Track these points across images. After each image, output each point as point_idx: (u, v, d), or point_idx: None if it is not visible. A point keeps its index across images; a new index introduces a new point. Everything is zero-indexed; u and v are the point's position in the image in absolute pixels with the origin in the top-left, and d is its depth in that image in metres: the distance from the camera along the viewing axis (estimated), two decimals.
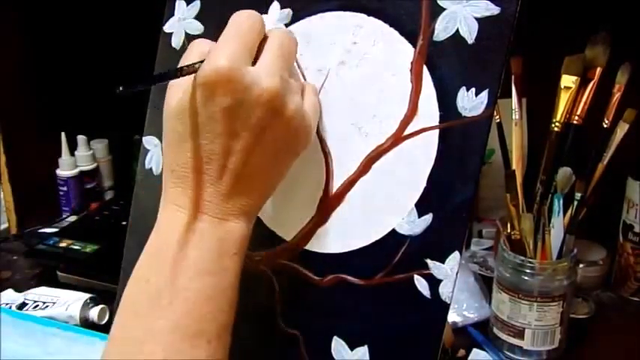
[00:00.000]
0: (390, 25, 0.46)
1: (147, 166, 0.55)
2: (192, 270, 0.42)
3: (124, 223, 0.57)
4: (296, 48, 0.46)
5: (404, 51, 0.46)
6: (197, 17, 0.54)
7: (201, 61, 0.41)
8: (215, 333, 0.42)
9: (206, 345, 0.41)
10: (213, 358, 0.41)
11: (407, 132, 0.46)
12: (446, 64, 0.45)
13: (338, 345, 0.48)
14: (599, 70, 0.67)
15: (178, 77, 0.42)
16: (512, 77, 0.68)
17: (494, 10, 0.43)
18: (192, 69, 0.42)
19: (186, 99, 0.41)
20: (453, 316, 0.75)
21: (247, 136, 0.41)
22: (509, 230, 0.69)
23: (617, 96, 0.68)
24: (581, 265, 0.80)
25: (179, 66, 0.43)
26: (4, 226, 1.02)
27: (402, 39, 0.46)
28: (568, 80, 0.67)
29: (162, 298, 0.41)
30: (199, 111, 0.41)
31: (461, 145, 0.44)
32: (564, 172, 0.66)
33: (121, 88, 0.39)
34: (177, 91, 0.42)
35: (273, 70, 0.42)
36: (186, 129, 0.42)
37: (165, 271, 0.42)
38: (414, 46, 0.45)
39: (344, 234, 0.48)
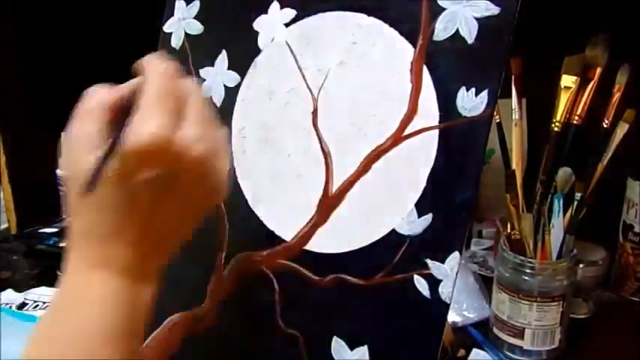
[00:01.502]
0: (390, 25, 0.46)
1: None
2: (104, 336, 0.39)
3: None
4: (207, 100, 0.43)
5: (404, 51, 0.46)
6: (197, 17, 0.54)
7: (115, 144, 0.38)
8: None
9: None
10: None
11: (407, 132, 0.46)
12: (446, 64, 0.45)
13: (338, 345, 0.48)
14: (599, 70, 0.67)
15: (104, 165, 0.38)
16: (512, 77, 0.68)
17: (494, 10, 0.43)
18: (113, 153, 0.38)
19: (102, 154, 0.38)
20: (453, 316, 0.75)
21: (172, 201, 0.40)
22: (509, 230, 0.69)
23: (617, 96, 0.68)
24: (581, 265, 0.80)
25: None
26: (4, 226, 1.02)
27: (402, 39, 0.46)
28: (568, 80, 0.67)
29: None
30: (122, 182, 0.38)
31: (461, 145, 0.44)
32: (564, 172, 0.66)
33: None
34: (82, 157, 0.39)
35: (200, 134, 0.39)
36: (105, 198, 0.39)
37: (73, 336, 0.39)
38: (414, 46, 0.45)
39: (344, 234, 0.48)
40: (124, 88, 0.41)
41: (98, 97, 0.41)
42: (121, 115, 0.39)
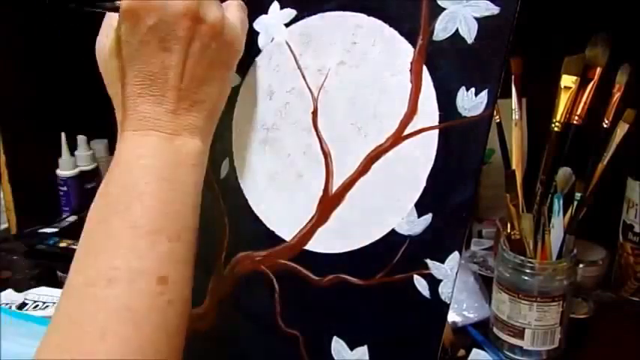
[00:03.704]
0: (390, 25, 0.46)
1: None
2: (148, 176, 0.44)
3: None
4: None
5: (404, 51, 0.46)
6: None
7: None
8: (175, 233, 0.43)
9: (166, 241, 0.42)
10: (176, 255, 0.43)
11: (407, 132, 0.46)
12: (446, 64, 0.44)
13: (338, 345, 0.48)
14: (599, 70, 0.67)
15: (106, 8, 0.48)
16: (513, 77, 0.68)
17: (494, 9, 0.43)
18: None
19: (115, 35, 0.46)
20: (453, 316, 0.75)
21: (178, 48, 0.44)
22: (509, 230, 0.69)
23: (617, 96, 0.68)
24: (581, 265, 0.80)
25: None
26: (4, 226, 1.02)
27: (402, 39, 0.46)
28: (568, 80, 0.67)
29: (119, 205, 0.43)
30: (130, 40, 0.44)
31: (461, 145, 0.44)
32: (564, 172, 0.66)
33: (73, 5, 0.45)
34: (105, 35, 0.48)
35: None
36: (123, 61, 0.45)
37: (122, 183, 0.44)
38: (414, 46, 0.45)
39: (344, 234, 0.48)
40: None
41: None
42: None
